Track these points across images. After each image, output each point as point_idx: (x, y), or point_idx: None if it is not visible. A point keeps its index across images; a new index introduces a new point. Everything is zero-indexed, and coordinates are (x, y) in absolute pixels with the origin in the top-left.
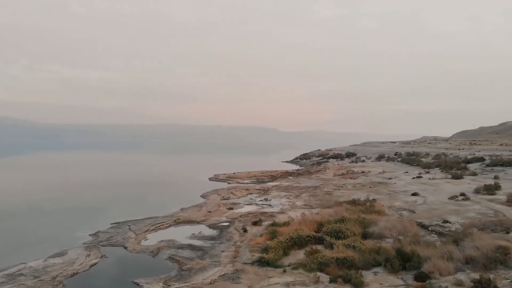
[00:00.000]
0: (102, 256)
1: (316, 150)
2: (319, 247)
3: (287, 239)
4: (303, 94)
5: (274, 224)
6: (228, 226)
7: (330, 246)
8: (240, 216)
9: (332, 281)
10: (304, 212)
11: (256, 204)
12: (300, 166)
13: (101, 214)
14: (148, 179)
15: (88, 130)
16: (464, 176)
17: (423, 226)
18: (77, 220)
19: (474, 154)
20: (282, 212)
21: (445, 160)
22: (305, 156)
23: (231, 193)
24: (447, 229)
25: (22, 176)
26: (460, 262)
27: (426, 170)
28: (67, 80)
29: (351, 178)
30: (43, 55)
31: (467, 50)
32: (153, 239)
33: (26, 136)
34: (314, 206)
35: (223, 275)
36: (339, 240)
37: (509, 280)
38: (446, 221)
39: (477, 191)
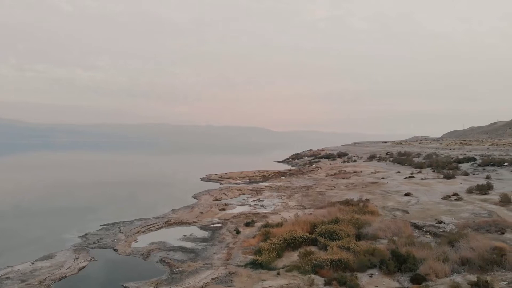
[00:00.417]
0: (91, 259)
1: (308, 150)
2: (313, 248)
3: (280, 240)
4: (295, 94)
5: (267, 225)
6: (220, 228)
7: (324, 248)
8: (233, 217)
9: (327, 283)
10: (297, 213)
11: (248, 204)
12: (292, 166)
13: (91, 215)
14: (139, 179)
15: (77, 129)
16: (456, 176)
17: (417, 227)
18: (66, 221)
19: (465, 154)
20: (275, 212)
21: (436, 160)
22: (297, 156)
23: (223, 193)
24: (441, 230)
25: (10, 177)
26: (456, 263)
27: (418, 170)
28: (56, 79)
29: (343, 178)
30: (32, 54)
31: (457, 51)
32: (143, 241)
33: (14, 136)
34: (307, 206)
35: (216, 278)
36: (333, 241)
37: (506, 282)
38: (440, 222)
39: (469, 191)
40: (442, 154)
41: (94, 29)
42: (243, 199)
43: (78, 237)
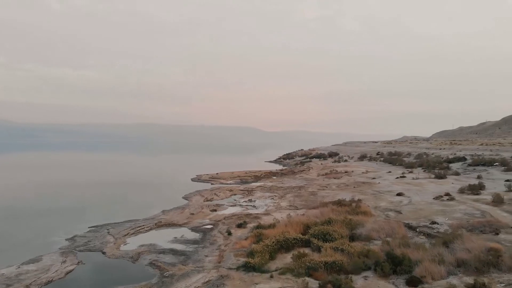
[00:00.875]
0: (78, 262)
1: (299, 150)
2: (307, 250)
3: (273, 242)
4: (286, 95)
5: (259, 227)
6: (211, 229)
7: (318, 249)
8: (224, 218)
9: (321, 286)
10: (289, 214)
11: (240, 205)
12: (284, 166)
13: (79, 217)
14: (128, 180)
15: (66, 129)
16: (447, 176)
17: (410, 227)
18: (53, 223)
19: (455, 153)
20: (267, 213)
21: (427, 160)
22: (288, 156)
23: (215, 194)
24: (435, 231)
25: None
26: (452, 265)
27: (409, 169)
28: (44, 78)
29: (335, 178)
30: (20, 53)
31: (446, 52)
32: (133, 244)
33: (2, 136)
34: (299, 207)
35: (207, 281)
36: (326, 242)
37: (503, 284)
38: (434, 222)
39: (461, 191)
40: (432, 154)
41: (85, 28)
42: (235, 200)
43: (66, 239)
